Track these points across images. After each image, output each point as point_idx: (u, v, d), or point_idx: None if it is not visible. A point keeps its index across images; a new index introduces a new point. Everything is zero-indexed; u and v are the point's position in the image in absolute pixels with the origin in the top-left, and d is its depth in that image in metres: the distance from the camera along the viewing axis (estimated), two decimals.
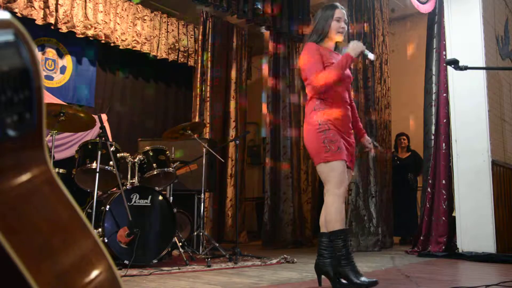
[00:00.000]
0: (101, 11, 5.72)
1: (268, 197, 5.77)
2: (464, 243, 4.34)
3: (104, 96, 6.16)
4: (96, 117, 3.80)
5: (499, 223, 4.29)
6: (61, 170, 3.85)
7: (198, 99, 6.21)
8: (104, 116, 5.54)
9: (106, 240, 3.26)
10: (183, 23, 6.78)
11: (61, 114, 3.45)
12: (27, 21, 4.94)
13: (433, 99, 4.86)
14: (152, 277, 2.96)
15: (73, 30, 5.44)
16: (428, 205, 4.67)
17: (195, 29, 6.81)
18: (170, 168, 3.87)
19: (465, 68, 2.48)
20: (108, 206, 3.34)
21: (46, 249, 0.62)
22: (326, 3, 3.28)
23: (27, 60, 0.64)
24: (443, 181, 4.60)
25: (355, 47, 2.49)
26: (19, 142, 0.63)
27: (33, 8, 5.07)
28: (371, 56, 2.57)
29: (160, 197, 3.63)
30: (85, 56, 5.94)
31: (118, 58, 6.22)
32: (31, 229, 0.61)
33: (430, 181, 4.70)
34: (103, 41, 5.80)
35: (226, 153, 6.25)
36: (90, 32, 5.61)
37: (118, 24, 5.93)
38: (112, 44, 5.90)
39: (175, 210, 3.66)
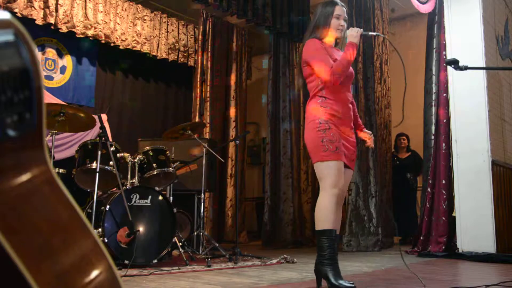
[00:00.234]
0: (101, 11, 5.72)
1: (268, 197, 5.77)
2: (464, 243, 4.34)
3: (104, 96, 6.16)
4: (96, 117, 3.80)
5: (499, 223, 4.29)
6: (61, 170, 3.85)
7: (198, 99, 6.21)
8: (104, 116, 5.54)
9: (106, 240, 3.26)
10: (183, 23, 6.78)
11: (61, 114, 3.45)
12: (27, 21, 4.94)
13: (433, 99, 4.86)
14: (152, 277, 2.96)
15: (73, 30, 5.44)
16: (428, 205, 4.67)
17: (195, 29, 6.81)
18: (170, 168, 3.87)
19: (465, 68, 2.48)
20: (108, 206, 3.34)
21: (46, 249, 0.62)
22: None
23: (27, 60, 0.64)
24: (443, 181, 4.60)
25: (353, 34, 2.50)
26: (19, 142, 0.63)
27: (33, 8, 5.07)
28: (371, 33, 2.60)
29: (160, 197, 3.63)
30: (85, 56, 5.95)
31: (118, 58, 6.22)
32: (31, 229, 0.61)
33: (430, 181, 4.70)
34: (103, 41, 5.80)
35: (226, 153, 6.25)
36: (90, 32, 5.61)
37: (118, 24, 5.93)
38: (112, 44, 5.90)
39: (175, 210, 3.66)
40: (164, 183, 4.05)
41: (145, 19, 6.27)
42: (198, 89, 6.23)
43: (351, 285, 2.28)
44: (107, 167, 3.61)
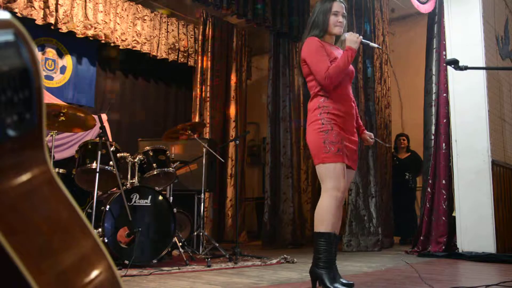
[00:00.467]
0: (101, 11, 5.72)
1: (268, 197, 5.77)
2: (464, 243, 4.34)
3: (104, 96, 6.17)
4: (96, 117, 3.80)
5: (499, 223, 4.29)
6: (61, 170, 3.85)
7: (198, 99, 6.22)
8: (104, 116, 5.53)
9: (106, 240, 3.26)
10: (183, 23, 6.78)
11: (61, 114, 3.45)
12: (27, 21, 4.93)
13: (433, 99, 4.86)
14: (152, 277, 2.96)
15: (73, 30, 5.44)
16: (428, 205, 4.67)
17: (195, 29, 6.81)
18: (170, 168, 3.87)
19: (465, 68, 2.47)
20: (108, 206, 3.34)
21: (46, 249, 0.62)
22: None
23: (27, 60, 0.64)
24: (443, 181, 4.60)
25: (353, 39, 2.47)
26: (19, 142, 0.63)
27: (33, 8, 5.07)
28: (373, 44, 2.58)
29: (160, 197, 3.63)
30: (85, 56, 5.95)
31: (118, 58, 6.23)
32: (31, 229, 0.61)
33: (430, 181, 4.70)
34: (103, 41, 5.80)
35: (226, 153, 6.25)
36: (90, 32, 5.61)
37: (118, 24, 5.93)
38: (112, 44, 5.90)
39: (175, 210, 3.66)
40: (164, 183, 4.05)
41: (145, 19, 6.27)
42: (198, 89, 6.23)
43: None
44: (107, 167, 3.60)
